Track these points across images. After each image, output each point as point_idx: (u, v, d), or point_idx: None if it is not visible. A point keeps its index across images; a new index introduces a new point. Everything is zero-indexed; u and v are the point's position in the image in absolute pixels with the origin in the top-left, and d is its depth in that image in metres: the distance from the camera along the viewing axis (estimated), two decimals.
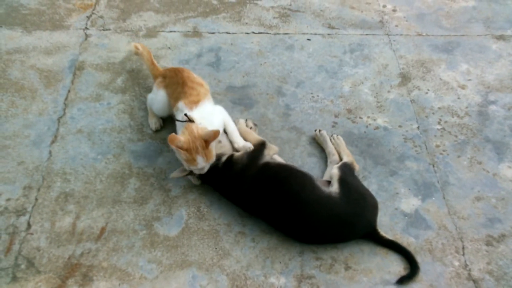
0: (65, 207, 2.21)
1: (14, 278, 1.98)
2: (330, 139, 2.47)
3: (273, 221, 2.15)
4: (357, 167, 2.34)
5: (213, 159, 2.12)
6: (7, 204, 2.20)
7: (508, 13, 3.29)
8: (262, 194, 2.11)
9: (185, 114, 2.13)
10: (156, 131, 2.52)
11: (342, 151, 2.40)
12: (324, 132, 2.49)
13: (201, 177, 2.26)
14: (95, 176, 2.33)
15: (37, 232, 2.12)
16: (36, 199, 2.23)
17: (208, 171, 2.16)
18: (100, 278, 1.99)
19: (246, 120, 2.52)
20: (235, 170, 2.19)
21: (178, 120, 2.16)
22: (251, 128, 2.46)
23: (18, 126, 2.50)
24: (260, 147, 2.27)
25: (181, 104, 2.19)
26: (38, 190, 2.26)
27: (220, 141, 2.28)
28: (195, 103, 2.19)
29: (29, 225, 2.14)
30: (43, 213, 2.18)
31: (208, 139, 2.04)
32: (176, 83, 2.32)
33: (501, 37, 3.13)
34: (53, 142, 2.45)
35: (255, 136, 2.35)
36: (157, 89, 2.43)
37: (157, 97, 2.41)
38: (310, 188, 2.11)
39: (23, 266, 2.01)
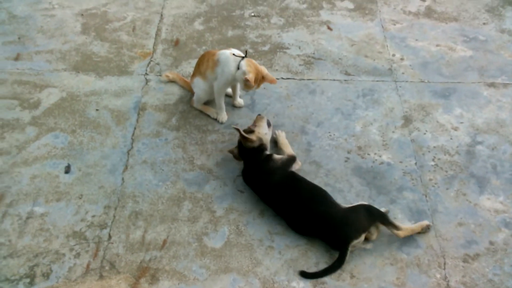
0: (136, 223, 2.88)
1: (101, 277, 2.66)
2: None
3: (285, 214, 2.86)
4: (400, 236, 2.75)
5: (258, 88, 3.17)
6: (93, 220, 2.89)
7: (500, 62, 3.84)
8: (283, 193, 2.83)
9: (233, 54, 3.12)
10: (222, 123, 3.42)
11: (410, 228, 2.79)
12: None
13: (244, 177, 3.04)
14: (158, 198, 3.01)
15: (116, 242, 2.80)
16: (114, 216, 2.91)
17: (250, 161, 2.99)
18: (164, 278, 2.65)
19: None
20: (270, 166, 2.94)
21: (236, 56, 3.11)
22: None
23: (97, 157, 3.20)
24: (291, 159, 3.03)
25: (219, 54, 3.17)
26: (115, 209, 2.94)
27: (266, 133, 3.10)
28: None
29: (109, 236, 2.82)
30: (120, 227, 2.86)
31: (266, 77, 3.08)
32: (203, 62, 3.28)
33: (492, 84, 3.68)
34: (124, 170, 3.14)
35: (290, 150, 3.12)
36: (198, 80, 3.32)
37: (199, 85, 3.33)
38: (323, 195, 2.83)
39: (107, 268, 2.69)
